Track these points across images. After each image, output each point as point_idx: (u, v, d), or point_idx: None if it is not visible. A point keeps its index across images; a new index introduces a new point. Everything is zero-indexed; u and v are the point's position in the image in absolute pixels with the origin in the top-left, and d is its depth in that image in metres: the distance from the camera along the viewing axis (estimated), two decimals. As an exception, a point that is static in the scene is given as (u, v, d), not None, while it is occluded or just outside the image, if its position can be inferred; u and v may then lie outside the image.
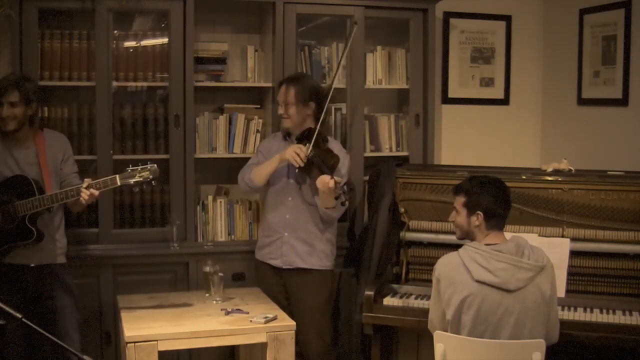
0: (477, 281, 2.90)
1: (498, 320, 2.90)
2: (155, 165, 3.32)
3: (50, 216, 3.52)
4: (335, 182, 3.52)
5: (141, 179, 3.29)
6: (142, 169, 3.30)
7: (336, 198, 3.57)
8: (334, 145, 3.86)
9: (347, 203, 3.62)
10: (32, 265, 3.52)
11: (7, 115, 3.45)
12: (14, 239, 3.42)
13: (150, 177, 3.30)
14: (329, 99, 3.85)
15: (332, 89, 3.88)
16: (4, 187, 3.43)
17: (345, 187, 3.59)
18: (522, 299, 2.90)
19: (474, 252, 2.96)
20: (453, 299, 2.95)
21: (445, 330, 2.99)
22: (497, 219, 3.03)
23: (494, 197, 3.03)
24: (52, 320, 3.54)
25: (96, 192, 3.32)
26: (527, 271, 2.91)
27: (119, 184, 3.32)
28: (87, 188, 3.31)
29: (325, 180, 3.54)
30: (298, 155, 3.62)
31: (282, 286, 3.88)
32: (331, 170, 3.63)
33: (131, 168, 3.32)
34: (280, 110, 3.82)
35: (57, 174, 3.59)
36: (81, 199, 3.32)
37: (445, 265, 3.01)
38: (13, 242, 3.43)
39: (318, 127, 3.74)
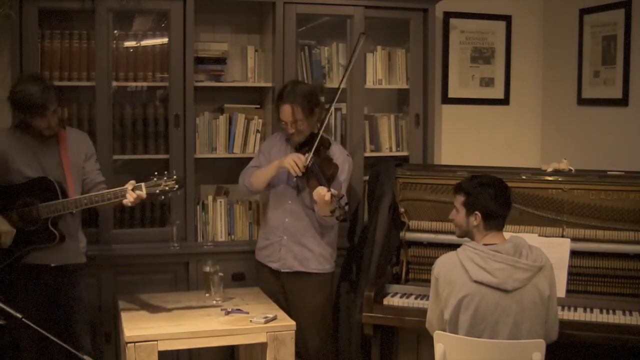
0: (475, 281, 2.91)
1: (496, 321, 2.90)
2: (179, 175, 3.32)
3: (68, 217, 3.50)
4: (332, 195, 3.46)
5: (167, 188, 3.29)
6: (168, 178, 3.29)
7: (332, 212, 3.50)
8: (336, 149, 3.83)
9: (341, 217, 3.54)
10: (52, 265, 3.51)
11: (55, 124, 3.46)
12: (36, 241, 3.42)
13: (176, 187, 3.29)
14: (333, 106, 3.83)
15: (338, 94, 3.84)
16: (27, 188, 3.41)
17: (341, 200, 3.50)
18: (520, 299, 2.90)
19: (472, 252, 2.96)
20: (451, 299, 2.95)
21: (444, 330, 2.99)
22: (495, 220, 3.03)
23: (494, 198, 3.03)
24: (67, 318, 3.57)
25: (143, 194, 3.29)
26: (524, 271, 2.91)
27: (144, 191, 3.31)
28: (134, 190, 3.29)
29: (321, 193, 3.48)
30: (297, 164, 3.60)
31: (281, 287, 3.88)
32: (329, 180, 3.59)
33: (157, 177, 3.30)
34: (291, 130, 3.73)
35: (80, 173, 3.58)
36: (126, 201, 3.30)
37: (443, 265, 3.02)
38: (35, 244, 3.42)
39: (320, 133, 3.72)
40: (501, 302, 2.90)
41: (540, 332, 2.94)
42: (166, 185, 3.27)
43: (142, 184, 3.30)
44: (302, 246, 3.80)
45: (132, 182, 3.33)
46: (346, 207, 3.50)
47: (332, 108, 3.90)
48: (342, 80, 3.93)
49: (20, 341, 3.44)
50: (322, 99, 3.89)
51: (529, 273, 2.91)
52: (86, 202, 3.36)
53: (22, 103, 3.36)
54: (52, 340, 3.17)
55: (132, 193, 3.28)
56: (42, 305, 3.49)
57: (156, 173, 3.33)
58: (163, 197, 3.35)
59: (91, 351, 3.65)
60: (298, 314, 3.73)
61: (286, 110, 3.71)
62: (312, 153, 3.64)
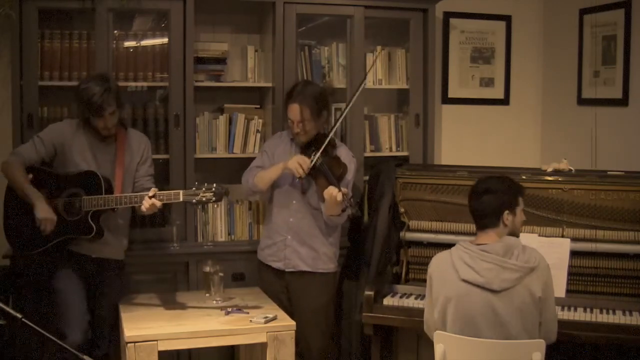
0: (463, 280, 2.93)
1: (483, 320, 2.91)
2: (221, 188, 3.35)
3: (115, 214, 3.59)
4: (343, 195, 3.48)
5: (204, 199, 3.33)
6: (206, 189, 3.33)
7: (343, 210, 3.54)
8: (342, 150, 3.83)
9: (353, 216, 3.58)
10: (93, 256, 3.61)
11: (113, 125, 3.54)
12: (74, 231, 3.50)
13: (213, 199, 3.34)
14: (345, 112, 3.84)
15: (347, 109, 3.85)
16: (76, 179, 3.51)
17: (352, 199, 3.56)
18: (509, 300, 2.90)
19: (462, 252, 2.99)
20: (440, 297, 2.98)
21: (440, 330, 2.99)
22: (484, 220, 3.05)
23: (474, 199, 3.08)
24: (96, 306, 3.65)
25: (158, 203, 3.36)
26: (513, 272, 2.91)
27: (181, 199, 3.37)
28: (151, 197, 3.35)
29: (332, 193, 3.50)
30: (301, 166, 3.60)
31: (284, 287, 3.87)
32: (338, 179, 3.60)
33: (196, 186, 3.36)
34: (297, 129, 3.73)
35: (132, 174, 3.65)
36: (142, 207, 3.37)
37: (437, 265, 3.06)
38: (72, 234, 3.51)
39: (331, 134, 3.72)
40: (489, 302, 2.91)
41: (533, 333, 2.93)
42: (203, 196, 3.32)
43: (180, 191, 3.37)
44: (307, 246, 3.80)
45: (154, 189, 3.40)
46: (355, 206, 3.54)
47: (343, 114, 3.88)
48: (354, 95, 3.87)
49: (66, 327, 3.49)
50: (332, 100, 3.90)
51: (518, 274, 2.91)
52: (126, 201, 3.43)
53: (82, 100, 3.48)
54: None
55: (147, 200, 3.34)
56: (83, 287, 3.61)
57: (196, 183, 3.40)
58: (200, 206, 3.45)
59: (109, 344, 3.72)
60: (302, 314, 3.73)
61: (294, 110, 3.72)
62: (320, 153, 3.64)
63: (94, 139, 3.59)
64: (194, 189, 3.36)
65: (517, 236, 3.08)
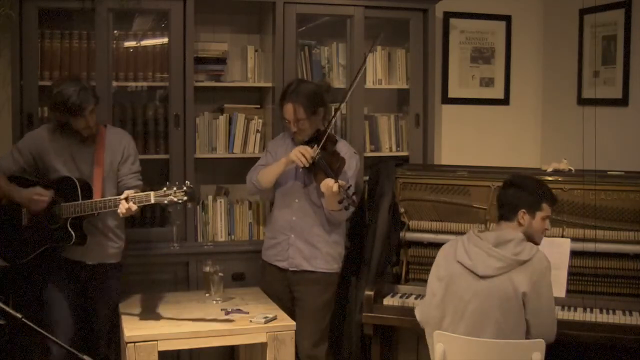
0: (457, 261, 3.04)
1: (467, 302, 2.97)
2: (193, 187, 3.26)
3: (104, 216, 3.52)
4: (340, 186, 3.48)
5: (175, 199, 3.22)
6: (177, 190, 3.23)
7: (340, 202, 3.54)
8: (342, 146, 3.83)
9: (350, 208, 3.57)
10: (89, 263, 3.57)
11: (94, 123, 3.49)
12: (55, 239, 3.46)
13: (185, 198, 3.21)
14: (341, 105, 3.83)
15: (351, 92, 3.85)
16: (54, 186, 3.45)
17: (349, 190, 3.56)
18: (490, 288, 2.95)
19: (466, 237, 3.11)
20: (437, 275, 3.10)
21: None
22: (500, 210, 3.16)
23: (501, 189, 3.22)
24: (93, 313, 3.63)
25: (134, 207, 3.26)
26: (497, 260, 2.96)
27: (152, 201, 3.26)
28: (126, 201, 3.27)
29: (329, 184, 3.51)
30: (303, 155, 3.60)
31: (287, 287, 3.87)
32: (336, 173, 3.61)
33: (167, 187, 3.25)
34: (294, 128, 3.74)
35: (114, 174, 3.58)
36: (119, 211, 3.28)
37: (444, 247, 3.17)
38: (53, 242, 3.47)
39: (328, 130, 3.72)
40: (473, 285, 2.98)
41: (515, 328, 2.94)
42: (175, 197, 3.20)
43: (151, 193, 3.26)
44: (310, 245, 3.80)
45: (128, 192, 3.30)
46: (354, 197, 3.53)
47: (341, 107, 3.88)
48: (356, 78, 3.88)
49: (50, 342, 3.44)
50: (329, 97, 3.89)
51: (502, 264, 2.95)
52: (101, 206, 3.35)
53: (60, 104, 3.39)
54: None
55: (124, 203, 3.25)
56: (75, 296, 3.57)
57: (167, 183, 3.28)
58: (171, 209, 3.37)
59: (109, 345, 3.69)
60: (302, 313, 3.74)
61: (288, 109, 3.72)
62: (319, 148, 3.64)
63: (72, 142, 3.52)
64: (164, 189, 3.23)
65: (536, 242, 3.09)
